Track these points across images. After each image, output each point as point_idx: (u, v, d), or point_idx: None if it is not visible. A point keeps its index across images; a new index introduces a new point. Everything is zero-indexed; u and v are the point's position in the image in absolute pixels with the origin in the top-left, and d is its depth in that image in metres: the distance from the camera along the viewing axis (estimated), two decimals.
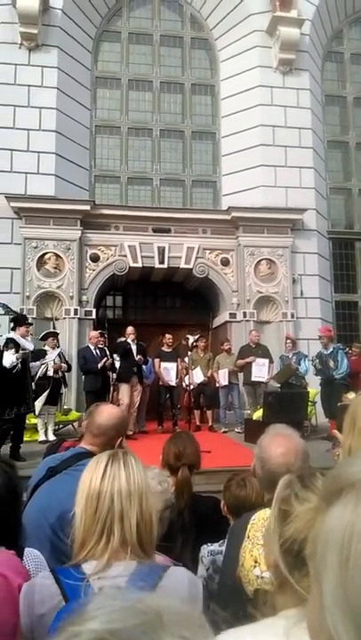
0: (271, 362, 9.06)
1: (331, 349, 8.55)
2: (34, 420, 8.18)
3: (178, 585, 1.23)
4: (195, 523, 2.25)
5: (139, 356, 8.56)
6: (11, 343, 6.64)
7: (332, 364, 8.37)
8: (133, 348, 8.59)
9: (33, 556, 1.57)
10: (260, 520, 1.56)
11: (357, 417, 1.60)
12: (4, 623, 1.24)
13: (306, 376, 8.84)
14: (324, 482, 0.52)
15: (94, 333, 8.77)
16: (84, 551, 1.25)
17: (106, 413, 2.14)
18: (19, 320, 7.17)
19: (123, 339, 8.84)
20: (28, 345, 7.02)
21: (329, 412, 8.22)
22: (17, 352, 6.58)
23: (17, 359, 6.57)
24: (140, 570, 1.22)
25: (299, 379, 8.76)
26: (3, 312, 8.57)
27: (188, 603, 1.21)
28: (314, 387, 9.50)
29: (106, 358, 8.36)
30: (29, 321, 7.84)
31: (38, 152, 10.37)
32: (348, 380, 8.43)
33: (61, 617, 1.16)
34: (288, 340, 9.23)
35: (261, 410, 7.83)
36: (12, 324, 7.49)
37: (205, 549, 2.17)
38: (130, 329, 8.79)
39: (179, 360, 9.27)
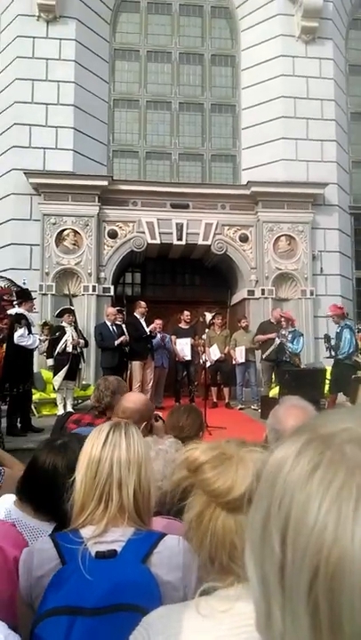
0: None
1: (338, 329, 8.13)
2: (53, 395, 8.33)
3: (173, 553, 1.25)
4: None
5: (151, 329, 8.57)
6: (23, 320, 6.66)
7: (334, 342, 8.04)
8: (143, 323, 8.56)
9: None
10: None
11: None
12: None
13: (300, 354, 8.69)
14: (291, 430, 0.51)
15: (111, 310, 8.81)
16: (82, 516, 1.28)
17: (132, 398, 2.43)
18: (26, 294, 7.14)
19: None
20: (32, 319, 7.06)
21: (336, 388, 7.97)
22: (28, 328, 6.61)
23: (41, 341, 6.63)
24: (136, 536, 1.25)
25: (292, 357, 8.49)
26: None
27: (182, 571, 1.24)
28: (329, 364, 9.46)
29: (124, 337, 8.40)
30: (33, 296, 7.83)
31: (56, 127, 10.32)
32: (356, 359, 8.06)
33: (58, 579, 1.20)
34: (282, 319, 8.81)
35: (278, 387, 7.82)
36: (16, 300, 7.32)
37: None
38: (139, 304, 8.78)
39: (196, 337, 9.28)
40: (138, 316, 8.57)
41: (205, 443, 1.02)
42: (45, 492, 1.67)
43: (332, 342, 8.08)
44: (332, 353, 8.04)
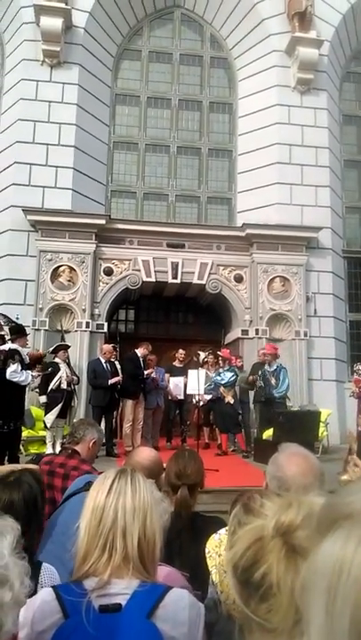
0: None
1: (274, 367, 8.46)
2: (42, 433, 8.17)
3: (179, 607, 1.20)
4: (194, 544, 2.20)
5: (149, 370, 8.50)
6: (16, 355, 6.59)
7: (273, 382, 8.29)
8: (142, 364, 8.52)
9: (49, 572, 1.63)
10: None
11: None
12: None
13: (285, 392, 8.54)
14: (319, 511, 0.47)
15: (108, 347, 8.75)
16: (85, 565, 1.23)
17: (144, 455, 2.42)
18: (20, 330, 7.09)
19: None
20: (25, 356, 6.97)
21: (265, 430, 8.13)
22: (21, 364, 6.53)
23: (33, 377, 6.55)
24: (141, 588, 1.19)
25: (280, 395, 8.46)
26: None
27: (188, 626, 1.17)
28: (327, 407, 9.40)
29: (118, 378, 8.31)
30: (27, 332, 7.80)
31: (56, 167, 10.53)
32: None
33: (60, 634, 1.13)
34: (268, 355, 8.75)
35: (271, 429, 7.72)
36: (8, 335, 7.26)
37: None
38: (145, 345, 8.77)
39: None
40: (139, 355, 8.53)
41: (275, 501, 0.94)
42: None
43: (273, 381, 8.29)
44: (271, 391, 8.26)
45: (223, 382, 8.67)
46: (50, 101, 10.75)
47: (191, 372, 8.17)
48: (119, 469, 1.37)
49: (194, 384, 7.91)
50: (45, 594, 1.23)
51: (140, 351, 8.57)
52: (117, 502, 1.25)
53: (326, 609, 0.41)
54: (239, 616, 0.88)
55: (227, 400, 8.61)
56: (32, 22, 10.71)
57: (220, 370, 8.89)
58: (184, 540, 2.22)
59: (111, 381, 8.20)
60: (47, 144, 10.57)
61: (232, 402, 8.65)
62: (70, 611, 1.15)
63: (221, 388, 8.71)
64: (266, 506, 0.91)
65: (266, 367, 8.58)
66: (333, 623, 0.40)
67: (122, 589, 1.18)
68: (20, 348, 6.79)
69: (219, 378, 8.74)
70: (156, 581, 1.27)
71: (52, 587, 1.27)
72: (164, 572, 1.63)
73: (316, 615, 0.42)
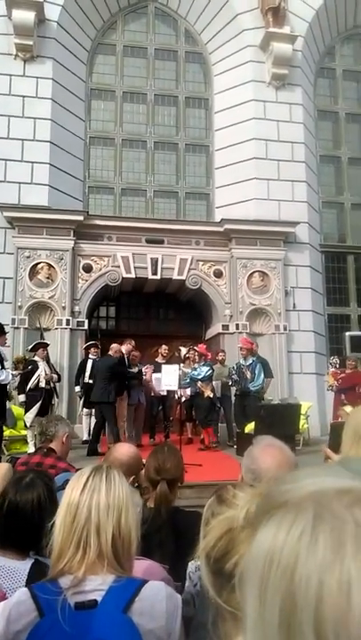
0: (271, 377, 9.06)
1: (250, 361, 8.56)
2: (23, 432, 8.09)
3: (155, 600, 1.20)
4: (173, 538, 2.21)
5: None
6: None
7: (248, 375, 8.40)
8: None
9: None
10: None
11: (360, 428, 1.57)
12: None
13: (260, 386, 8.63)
14: (259, 501, 0.47)
15: (116, 346, 8.45)
16: (60, 563, 1.22)
17: (122, 450, 2.42)
18: (0, 329, 7.00)
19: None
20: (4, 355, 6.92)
21: (242, 424, 8.35)
22: (1, 363, 6.47)
23: (13, 376, 6.50)
24: (116, 583, 1.19)
25: (256, 389, 8.57)
26: None
27: (165, 619, 1.17)
28: (307, 400, 9.50)
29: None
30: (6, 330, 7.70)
31: (32, 162, 10.39)
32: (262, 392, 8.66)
33: (36, 633, 1.12)
34: (243, 349, 8.85)
35: (253, 423, 7.78)
36: None
37: (193, 565, 2.12)
38: (129, 341, 8.77)
39: None
40: (124, 351, 8.49)
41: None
42: (21, 530, 1.64)
43: (248, 375, 8.40)
44: (247, 385, 8.37)
45: (200, 377, 8.70)
46: (24, 96, 10.59)
47: (165, 368, 8.13)
48: (94, 466, 1.36)
49: (168, 380, 7.88)
50: (20, 593, 1.22)
51: (124, 348, 8.54)
52: (91, 499, 1.25)
53: (259, 599, 0.41)
54: (213, 606, 0.89)
55: (206, 394, 8.64)
56: (4, 16, 10.52)
57: (196, 365, 8.93)
58: (164, 535, 2.22)
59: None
60: (22, 139, 10.42)
61: (211, 396, 8.69)
62: (46, 609, 1.15)
63: (199, 383, 8.74)
64: (238, 496, 0.92)
65: (241, 361, 8.66)
66: (265, 613, 0.40)
67: (97, 586, 1.18)
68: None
69: (195, 372, 8.78)
70: (132, 576, 1.27)
71: (27, 586, 1.27)
72: (143, 566, 1.63)
73: (250, 606, 0.42)
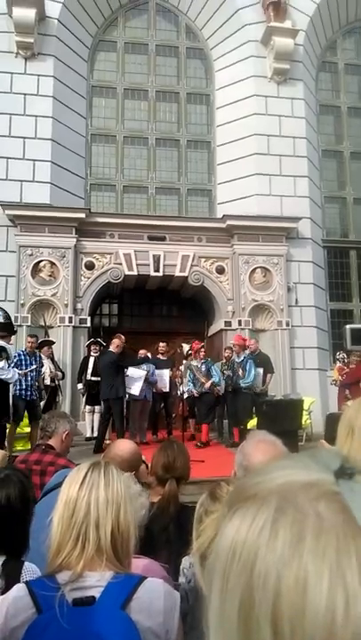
0: (272, 372, 9.04)
1: (242, 358, 8.57)
2: (27, 430, 8.12)
3: (154, 597, 1.20)
4: (180, 535, 2.21)
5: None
6: (3, 352, 6.56)
7: (240, 372, 8.41)
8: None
9: (31, 571, 1.61)
10: None
11: (355, 422, 1.57)
12: None
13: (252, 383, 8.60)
14: (230, 493, 0.47)
15: (116, 341, 8.38)
16: (58, 558, 1.22)
17: (122, 447, 2.41)
18: (8, 327, 7.05)
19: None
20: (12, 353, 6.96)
21: (235, 420, 8.44)
22: (7, 361, 6.50)
23: (19, 374, 6.53)
24: (115, 580, 1.19)
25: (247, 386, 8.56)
26: None
27: (163, 616, 1.18)
28: (310, 395, 9.49)
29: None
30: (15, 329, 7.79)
31: (34, 160, 10.39)
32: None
33: (34, 629, 1.13)
34: (236, 346, 8.87)
35: (256, 419, 7.79)
36: None
37: (186, 561, 2.12)
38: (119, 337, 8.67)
39: (174, 368, 9.23)
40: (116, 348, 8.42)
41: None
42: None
43: (240, 372, 8.41)
44: (238, 381, 8.39)
45: (249, 381, 8.48)
46: (25, 94, 10.58)
47: (131, 371, 8.30)
48: (92, 462, 1.36)
49: (131, 383, 8.19)
50: (18, 589, 1.22)
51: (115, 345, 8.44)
52: (90, 494, 1.24)
53: (221, 592, 0.41)
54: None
55: (206, 386, 8.61)
56: (4, 13, 10.50)
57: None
58: (171, 533, 2.22)
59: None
60: (24, 137, 10.42)
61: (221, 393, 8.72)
62: (43, 605, 1.15)
63: (203, 378, 8.72)
64: (225, 490, 0.92)
65: (234, 357, 8.66)
66: (226, 606, 0.40)
67: (95, 582, 1.18)
68: (6, 345, 6.76)
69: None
70: (130, 573, 1.27)
71: (25, 582, 1.27)
72: (142, 564, 1.64)
73: (213, 599, 0.42)
